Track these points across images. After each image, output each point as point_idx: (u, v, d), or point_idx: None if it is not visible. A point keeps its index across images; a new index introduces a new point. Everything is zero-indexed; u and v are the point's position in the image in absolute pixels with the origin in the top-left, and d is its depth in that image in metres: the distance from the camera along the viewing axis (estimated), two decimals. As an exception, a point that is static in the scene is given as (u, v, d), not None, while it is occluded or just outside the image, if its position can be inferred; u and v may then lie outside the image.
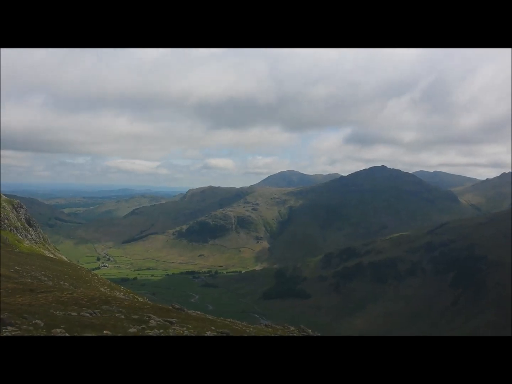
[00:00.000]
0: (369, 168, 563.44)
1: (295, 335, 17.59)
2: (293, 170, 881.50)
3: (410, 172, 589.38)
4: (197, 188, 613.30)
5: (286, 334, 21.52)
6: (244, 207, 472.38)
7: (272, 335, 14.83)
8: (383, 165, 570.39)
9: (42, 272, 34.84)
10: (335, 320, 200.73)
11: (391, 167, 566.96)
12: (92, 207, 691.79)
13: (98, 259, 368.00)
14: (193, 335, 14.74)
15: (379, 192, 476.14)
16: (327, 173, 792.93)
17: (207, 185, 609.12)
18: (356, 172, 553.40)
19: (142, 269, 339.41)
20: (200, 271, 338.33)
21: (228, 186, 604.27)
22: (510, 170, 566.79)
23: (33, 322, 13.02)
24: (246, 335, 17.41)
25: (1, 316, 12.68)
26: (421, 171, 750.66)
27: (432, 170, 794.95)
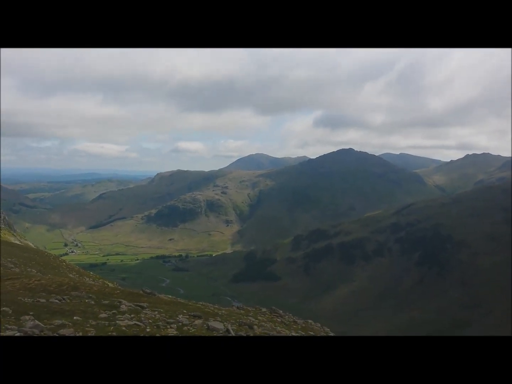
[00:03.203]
0: (337, 150, 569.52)
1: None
2: (262, 153, 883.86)
3: (376, 155, 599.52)
4: (165, 172, 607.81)
5: (258, 315, 21.70)
6: (213, 190, 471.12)
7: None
8: (350, 148, 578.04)
9: (8, 259, 34.00)
10: (304, 301, 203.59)
11: (360, 150, 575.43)
12: (57, 192, 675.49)
13: (66, 245, 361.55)
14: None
15: (346, 174, 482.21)
16: (296, 156, 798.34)
17: (176, 169, 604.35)
18: (324, 155, 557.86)
19: (111, 255, 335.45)
20: (171, 255, 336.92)
21: (198, 169, 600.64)
22: (474, 152, 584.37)
23: (1, 309, 12.85)
24: (215, 317, 17.50)
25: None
26: (387, 153, 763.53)
27: (398, 153, 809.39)
